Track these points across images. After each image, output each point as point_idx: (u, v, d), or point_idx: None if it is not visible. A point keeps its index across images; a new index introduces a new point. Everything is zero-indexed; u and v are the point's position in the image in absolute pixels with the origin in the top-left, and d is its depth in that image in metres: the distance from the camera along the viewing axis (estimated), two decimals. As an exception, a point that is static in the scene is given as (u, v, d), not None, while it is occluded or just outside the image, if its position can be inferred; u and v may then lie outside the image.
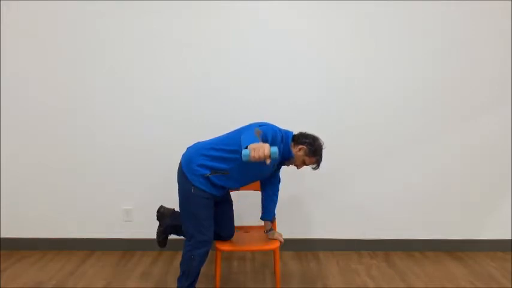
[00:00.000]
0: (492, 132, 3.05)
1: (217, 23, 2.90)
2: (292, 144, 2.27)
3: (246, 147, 1.71)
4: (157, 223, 2.56)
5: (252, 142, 1.74)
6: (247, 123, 2.32)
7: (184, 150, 2.33)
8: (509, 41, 2.96)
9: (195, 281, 2.28)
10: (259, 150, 1.66)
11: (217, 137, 2.32)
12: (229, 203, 2.49)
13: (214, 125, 2.87)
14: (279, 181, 2.51)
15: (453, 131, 3.05)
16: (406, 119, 3.03)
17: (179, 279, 2.27)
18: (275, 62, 2.94)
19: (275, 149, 1.64)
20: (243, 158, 1.68)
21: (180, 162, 2.28)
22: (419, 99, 3.01)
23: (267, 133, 2.06)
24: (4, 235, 3.09)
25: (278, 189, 2.52)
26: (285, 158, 2.30)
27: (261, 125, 2.17)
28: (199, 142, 2.34)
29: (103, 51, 2.92)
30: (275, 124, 2.33)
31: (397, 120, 3.03)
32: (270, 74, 2.96)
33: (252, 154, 1.67)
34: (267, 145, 1.67)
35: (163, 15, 2.88)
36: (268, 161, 1.67)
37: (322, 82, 2.98)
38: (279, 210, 2.65)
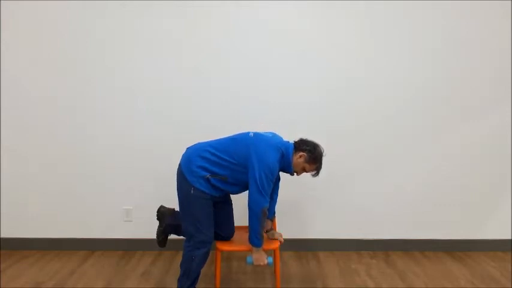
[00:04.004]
0: (492, 132, 3.05)
1: (217, 23, 2.90)
2: (293, 151, 2.27)
3: (253, 247, 2.26)
4: (157, 223, 2.56)
5: (256, 245, 2.24)
6: (245, 131, 2.33)
7: (184, 150, 2.34)
8: (509, 41, 2.96)
9: (195, 281, 2.28)
10: (260, 261, 2.23)
11: (217, 140, 2.31)
12: (229, 202, 2.50)
13: (214, 125, 2.88)
14: (279, 180, 2.51)
15: (453, 131, 3.05)
16: (405, 119, 3.03)
17: (179, 280, 2.28)
18: (275, 62, 2.94)
19: (271, 259, 2.26)
20: (248, 263, 2.28)
21: (180, 163, 2.28)
22: (420, 99, 3.01)
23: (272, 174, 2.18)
24: (4, 235, 3.09)
25: (278, 188, 2.52)
26: (285, 171, 2.31)
27: (259, 155, 2.15)
28: (199, 143, 2.34)
29: (103, 51, 2.92)
30: (275, 132, 2.38)
31: (397, 120, 3.03)
32: (270, 74, 2.96)
33: (255, 263, 2.24)
34: (265, 258, 2.23)
35: (163, 15, 2.88)
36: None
37: (322, 82, 2.97)
38: (279, 210, 2.65)
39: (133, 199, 3.07)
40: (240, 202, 2.46)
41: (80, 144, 3.00)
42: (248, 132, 2.30)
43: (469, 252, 3.14)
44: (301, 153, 2.25)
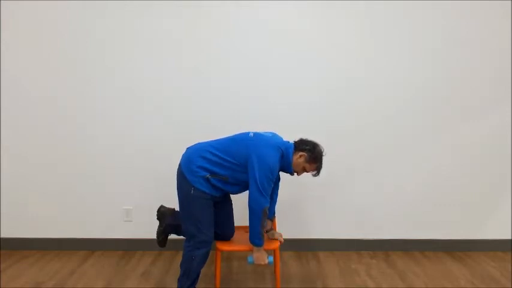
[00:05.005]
0: (492, 132, 3.05)
1: (217, 23, 2.90)
2: (293, 151, 2.27)
3: (254, 246, 2.26)
4: (157, 223, 2.56)
5: (257, 245, 2.23)
6: (245, 131, 2.33)
7: (184, 150, 2.34)
8: (509, 41, 2.96)
9: (195, 281, 2.28)
10: (260, 260, 2.22)
11: (217, 140, 2.32)
12: (229, 202, 2.50)
13: (214, 125, 2.88)
14: (279, 180, 2.51)
15: (453, 131, 3.05)
16: (405, 119, 3.03)
17: (180, 280, 2.28)
18: (275, 62, 2.94)
19: (271, 259, 2.26)
20: (249, 262, 2.27)
21: (180, 163, 2.29)
22: (420, 99, 3.01)
23: (272, 175, 2.18)
24: (4, 235, 3.09)
25: (278, 188, 2.52)
26: (285, 171, 2.31)
27: (259, 155, 2.15)
28: (199, 143, 2.34)
29: (103, 51, 2.92)
30: (275, 132, 2.37)
31: (397, 120, 3.03)
32: (270, 74, 2.96)
33: (256, 262, 2.23)
34: (266, 258, 2.23)
35: (163, 15, 2.88)
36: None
37: (322, 82, 2.97)
38: (279, 210, 2.65)
39: (133, 199, 3.07)
40: (240, 202, 2.46)
41: (80, 144, 3.00)
42: (248, 132, 2.30)
43: (469, 252, 3.14)
44: (301, 153, 2.25)
